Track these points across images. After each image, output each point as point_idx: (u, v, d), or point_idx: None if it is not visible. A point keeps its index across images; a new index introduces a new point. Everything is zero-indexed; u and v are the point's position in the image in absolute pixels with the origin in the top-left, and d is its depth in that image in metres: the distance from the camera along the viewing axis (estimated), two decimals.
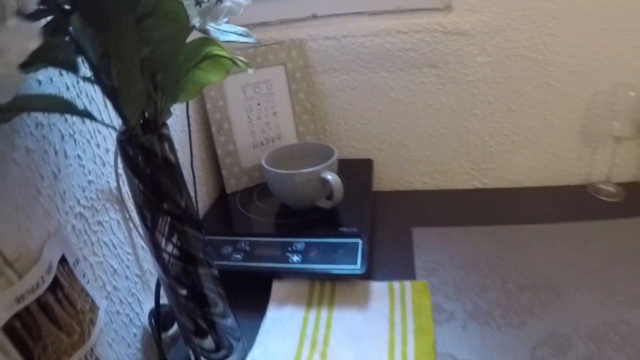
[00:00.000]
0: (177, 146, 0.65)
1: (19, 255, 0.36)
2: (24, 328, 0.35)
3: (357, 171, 0.80)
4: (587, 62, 0.74)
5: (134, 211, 0.50)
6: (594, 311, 0.57)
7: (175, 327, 0.58)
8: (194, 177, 0.67)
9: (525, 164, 0.82)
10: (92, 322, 0.45)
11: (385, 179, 0.87)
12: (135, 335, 0.56)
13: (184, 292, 0.46)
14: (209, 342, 0.50)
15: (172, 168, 0.42)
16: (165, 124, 0.41)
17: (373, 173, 0.83)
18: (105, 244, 0.50)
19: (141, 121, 0.39)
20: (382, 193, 0.85)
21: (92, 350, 0.45)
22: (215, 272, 0.49)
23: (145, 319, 0.58)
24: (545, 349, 0.53)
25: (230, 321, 0.52)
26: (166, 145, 0.40)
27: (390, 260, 0.66)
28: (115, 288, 0.51)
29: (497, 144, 0.81)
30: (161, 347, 0.54)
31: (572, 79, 0.75)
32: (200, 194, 0.75)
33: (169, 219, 0.42)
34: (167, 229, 0.43)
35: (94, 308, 0.45)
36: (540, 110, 0.78)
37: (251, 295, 0.60)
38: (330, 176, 0.63)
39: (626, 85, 0.73)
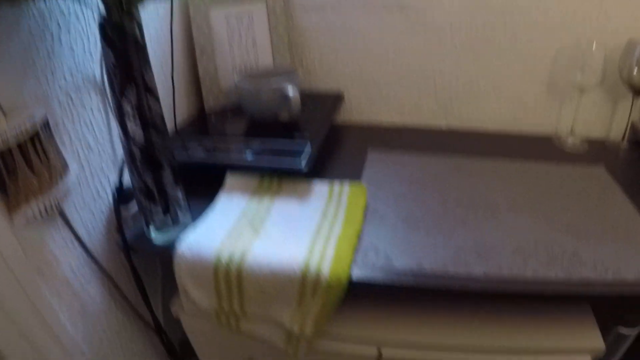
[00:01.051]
0: (160, 61, 0.73)
1: (11, 106, 0.44)
2: (4, 164, 0.43)
3: (327, 102, 0.85)
4: (553, 15, 0.76)
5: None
6: (527, 231, 0.60)
7: (135, 206, 0.64)
8: (173, 87, 0.75)
9: (491, 108, 0.84)
10: (62, 177, 0.52)
11: (356, 113, 0.91)
12: (102, 210, 0.63)
13: (137, 152, 0.52)
14: (155, 205, 0.57)
15: (140, 47, 0.48)
16: (137, 9, 0.47)
17: (342, 103, 0.87)
18: (85, 121, 0.57)
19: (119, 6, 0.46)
20: (351, 126, 0.90)
21: (58, 201, 0.52)
22: (169, 143, 0.55)
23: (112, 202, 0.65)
24: (469, 253, 0.56)
25: (179, 194, 0.58)
26: (136, 28, 0.47)
27: (340, 171, 0.70)
28: (88, 161, 0.58)
29: (463, 87, 0.84)
30: (119, 217, 0.60)
31: (538, 31, 0.78)
32: (180, 110, 0.82)
33: (134, 88, 0.49)
34: (131, 97, 0.49)
35: (65, 167, 0.52)
36: (507, 60, 0.81)
37: (208, 187, 0.65)
38: (289, 89, 0.69)
39: (590, 38, 0.75)
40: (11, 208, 0.46)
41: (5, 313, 0.48)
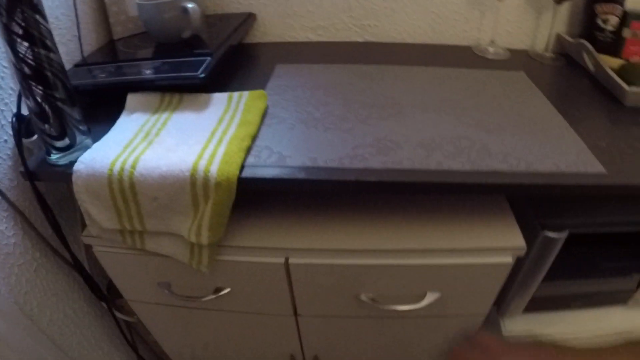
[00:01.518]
0: None
1: None
2: None
3: (236, 21, 0.80)
4: None
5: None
6: (433, 128, 0.58)
7: (36, 135, 0.62)
8: (76, 15, 0.71)
9: (408, 22, 0.82)
10: None
11: (270, 33, 0.87)
12: (5, 141, 0.60)
13: (28, 72, 0.49)
14: (52, 127, 0.54)
15: None
16: None
17: (253, 22, 0.84)
18: None
19: None
20: (263, 45, 0.86)
21: None
22: (59, 59, 0.52)
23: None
24: (367, 148, 0.54)
25: (76, 114, 0.55)
26: None
27: (244, 85, 0.68)
28: None
29: (379, 1, 0.81)
30: (20, 145, 0.58)
31: None
32: (88, 40, 0.78)
33: (19, 7, 0.46)
34: (17, 16, 0.46)
35: None
36: None
37: (110, 111, 0.62)
38: (188, 2, 0.66)
39: None
40: None
41: None
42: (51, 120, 0.54)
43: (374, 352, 0.74)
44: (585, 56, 0.76)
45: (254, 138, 0.55)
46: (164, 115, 0.59)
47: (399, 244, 0.56)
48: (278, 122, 0.58)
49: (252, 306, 0.64)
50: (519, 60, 0.79)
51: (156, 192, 0.51)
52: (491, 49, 0.79)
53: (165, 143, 0.54)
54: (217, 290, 0.61)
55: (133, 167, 0.51)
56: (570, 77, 0.76)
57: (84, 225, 0.73)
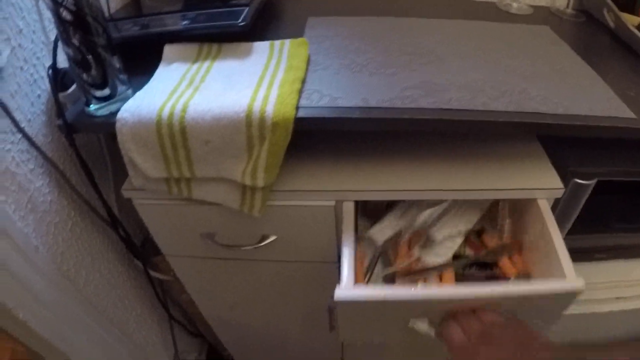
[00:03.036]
0: None
1: None
2: None
3: None
4: None
5: None
6: (474, 73, 0.59)
7: (73, 87, 0.60)
8: None
9: None
10: None
11: None
12: (39, 96, 0.59)
13: (69, 17, 0.48)
14: (93, 76, 0.53)
15: None
16: None
17: None
18: (13, 5, 0.52)
19: None
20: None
21: None
22: (98, 5, 0.50)
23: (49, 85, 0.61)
24: (415, 90, 0.55)
25: (116, 62, 0.54)
26: None
27: (277, 35, 0.66)
28: (20, 46, 0.53)
29: None
30: (57, 97, 0.57)
31: None
32: None
33: None
34: None
35: None
36: None
37: (146, 65, 0.61)
38: None
39: None
40: None
41: None
42: (93, 68, 0.53)
43: None
44: (605, 13, 0.78)
45: (302, 82, 0.55)
46: (206, 64, 0.59)
47: (446, 184, 0.57)
48: (322, 69, 0.58)
49: (296, 254, 0.65)
50: (541, 16, 0.80)
51: (208, 135, 0.50)
52: (515, 4, 0.81)
53: (212, 89, 0.54)
54: (263, 238, 0.62)
55: (183, 111, 0.50)
56: (592, 32, 0.78)
57: (116, 182, 0.72)
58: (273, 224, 0.60)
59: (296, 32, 0.66)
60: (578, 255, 0.54)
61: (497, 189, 0.58)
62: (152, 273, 0.75)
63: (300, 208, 0.58)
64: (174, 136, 0.51)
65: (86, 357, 0.71)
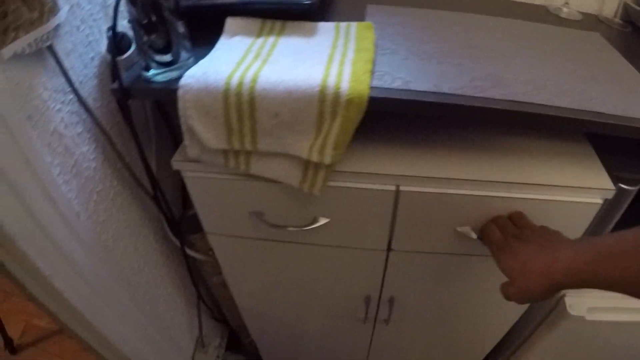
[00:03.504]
0: None
1: None
2: None
3: None
4: None
5: None
6: (536, 71, 0.59)
7: (130, 51, 0.59)
8: None
9: None
10: (52, 13, 0.47)
11: None
12: (92, 58, 0.58)
13: None
14: (158, 39, 0.52)
15: None
16: None
17: None
18: None
19: None
20: None
21: (48, 36, 0.47)
22: None
23: (104, 48, 0.60)
24: (483, 82, 0.55)
25: (181, 27, 0.53)
26: None
27: (338, 19, 0.65)
28: (78, 4, 0.53)
29: None
30: (117, 63, 0.55)
31: None
32: None
33: None
34: None
35: (55, 5, 0.47)
36: None
37: (205, 37, 0.60)
38: None
39: None
40: None
41: None
42: (159, 30, 0.52)
43: (452, 295, 0.75)
44: None
45: (372, 64, 0.54)
46: (271, 39, 0.58)
47: (503, 177, 0.57)
48: (390, 53, 0.58)
49: (346, 239, 0.64)
50: (590, 22, 0.81)
51: (278, 108, 0.50)
52: (565, 9, 0.81)
53: (281, 63, 0.53)
54: (314, 220, 0.60)
55: (253, 81, 0.49)
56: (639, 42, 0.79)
57: (159, 154, 0.70)
58: (327, 206, 0.59)
59: (357, 17, 0.66)
60: None
61: (552, 185, 0.58)
62: (189, 252, 0.73)
63: (358, 191, 0.57)
64: (242, 106, 0.50)
65: (117, 334, 0.69)
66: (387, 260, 0.66)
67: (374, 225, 0.61)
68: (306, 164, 0.53)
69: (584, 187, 0.58)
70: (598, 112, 0.54)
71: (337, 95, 0.48)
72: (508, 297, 0.50)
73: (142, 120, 0.70)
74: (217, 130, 0.52)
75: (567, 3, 0.81)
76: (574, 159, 0.62)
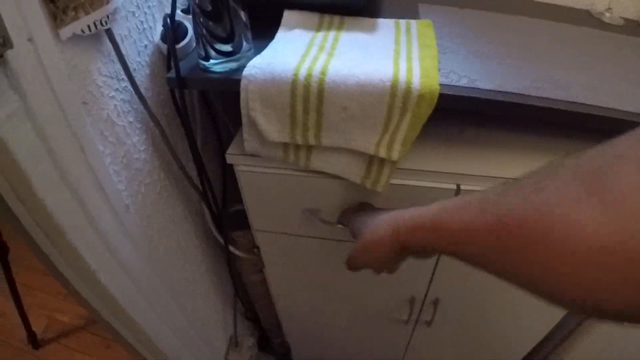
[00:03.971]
0: None
1: None
2: None
3: None
4: None
5: None
6: (592, 74, 0.59)
7: (186, 40, 0.58)
8: None
9: None
10: None
11: None
12: (145, 46, 0.57)
13: None
14: (221, 27, 0.51)
15: None
16: None
17: None
18: None
19: None
20: None
21: (108, 19, 0.46)
22: None
23: (157, 37, 0.59)
24: (544, 83, 0.55)
25: (245, 17, 0.52)
26: None
27: (394, 16, 0.64)
28: None
29: None
30: (174, 52, 0.54)
31: None
32: None
33: None
34: None
35: None
36: None
37: (262, 29, 0.59)
38: None
39: None
40: (58, 21, 0.40)
41: (47, 148, 0.42)
42: (222, 19, 0.51)
43: (496, 296, 0.74)
44: None
45: (438, 61, 0.54)
46: (332, 33, 0.57)
47: None
48: (451, 52, 0.58)
49: None
50: (631, 28, 0.82)
51: (347, 102, 0.49)
52: (607, 14, 0.81)
53: (347, 55, 0.52)
54: None
55: (322, 73, 0.49)
56: None
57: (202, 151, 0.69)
58: (385, 204, 0.58)
59: (411, 16, 0.65)
60: None
61: None
62: (233, 249, 0.72)
63: (418, 189, 0.56)
64: (309, 98, 0.49)
65: (156, 331, 0.68)
66: (438, 260, 0.65)
67: None
68: (370, 160, 0.53)
69: None
70: None
71: (408, 90, 0.47)
72: (350, 258, 0.47)
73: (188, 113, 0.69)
74: (281, 123, 0.52)
75: (609, 8, 0.82)
76: None
